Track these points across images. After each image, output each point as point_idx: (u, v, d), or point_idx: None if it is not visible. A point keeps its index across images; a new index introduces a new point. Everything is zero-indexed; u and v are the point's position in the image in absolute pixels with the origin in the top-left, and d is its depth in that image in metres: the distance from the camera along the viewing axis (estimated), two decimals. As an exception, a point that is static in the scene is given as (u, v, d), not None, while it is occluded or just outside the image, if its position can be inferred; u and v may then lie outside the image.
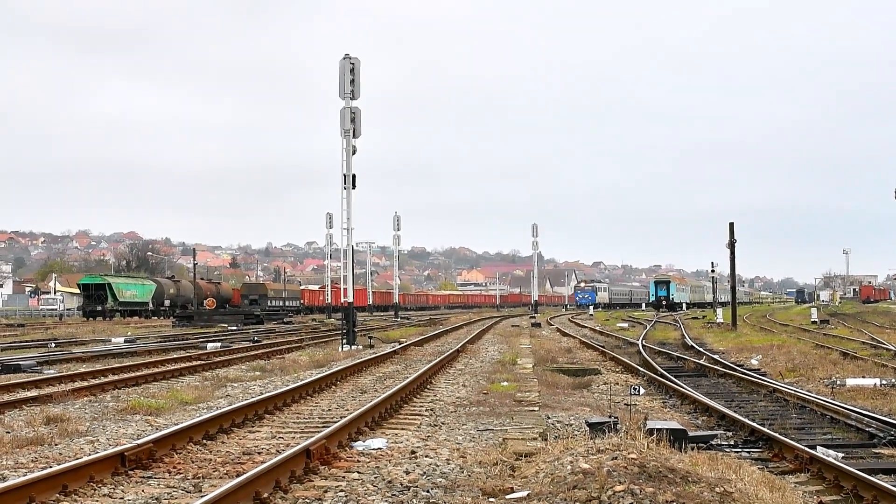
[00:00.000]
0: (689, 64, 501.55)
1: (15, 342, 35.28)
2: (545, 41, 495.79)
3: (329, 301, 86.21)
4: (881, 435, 11.74)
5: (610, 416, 11.05)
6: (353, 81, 30.72)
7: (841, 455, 10.38)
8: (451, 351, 25.90)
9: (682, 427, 10.64)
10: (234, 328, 49.92)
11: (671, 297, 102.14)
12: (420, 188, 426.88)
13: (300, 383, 16.20)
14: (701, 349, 29.69)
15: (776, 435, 11.26)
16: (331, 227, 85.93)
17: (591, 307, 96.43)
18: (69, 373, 19.90)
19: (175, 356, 25.95)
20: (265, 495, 7.68)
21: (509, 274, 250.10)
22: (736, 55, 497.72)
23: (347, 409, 13.53)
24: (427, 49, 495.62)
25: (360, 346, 30.28)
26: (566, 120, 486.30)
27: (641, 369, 21.39)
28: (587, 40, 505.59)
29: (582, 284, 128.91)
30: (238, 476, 8.08)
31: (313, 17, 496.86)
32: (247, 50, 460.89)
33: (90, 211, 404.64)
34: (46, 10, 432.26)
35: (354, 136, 30.88)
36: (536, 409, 13.93)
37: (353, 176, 30.95)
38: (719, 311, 58.76)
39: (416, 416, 13.21)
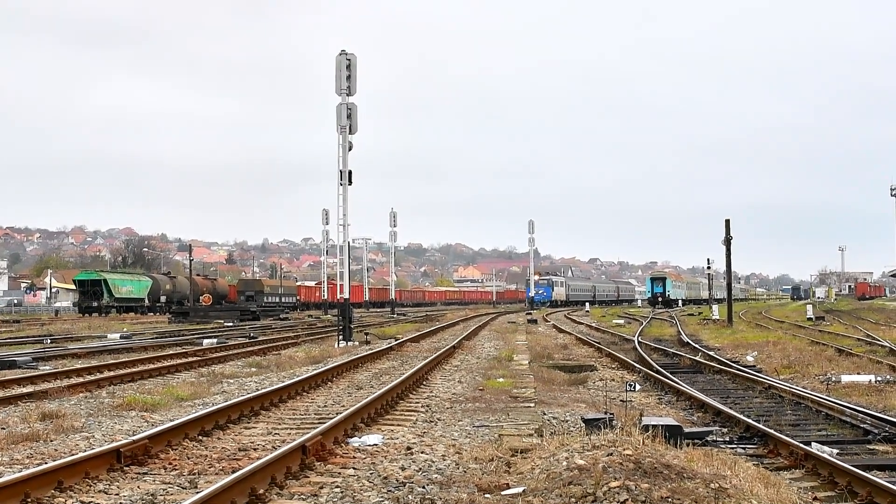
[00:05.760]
0: (687, 62, 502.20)
1: (10, 338, 35.23)
2: (544, 39, 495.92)
3: (325, 297, 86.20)
4: (876, 431, 11.76)
5: (606, 413, 11.06)
6: (349, 77, 30.69)
7: (836, 451, 10.39)
8: (447, 347, 25.91)
9: (677, 423, 10.65)
10: (231, 324, 49.90)
11: (667, 293, 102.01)
12: (417, 185, 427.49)
13: (296, 379, 16.18)
14: (697, 346, 29.71)
15: (771, 431, 11.27)
16: (327, 224, 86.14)
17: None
18: (64, 369, 19.86)
19: (171, 352, 25.94)
20: (261, 491, 7.68)
21: (505, 270, 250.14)
22: (733, 54, 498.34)
23: (343, 406, 13.53)
24: (426, 46, 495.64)
25: (357, 343, 30.27)
26: (563, 117, 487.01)
27: (637, 366, 21.41)
28: (586, 38, 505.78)
29: (536, 278, 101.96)
30: (234, 472, 8.07)
31: (313, 14, 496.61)
32: (246, 46, 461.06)
33: (86, 207, 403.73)
34: (45, 4, 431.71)
35: (351, 132, 30.85)
36: (532, 405, 13.93)
37: (350, 172, 30.93)
38: (715, 307, 58.84)
39: (412, 413, 13.21)
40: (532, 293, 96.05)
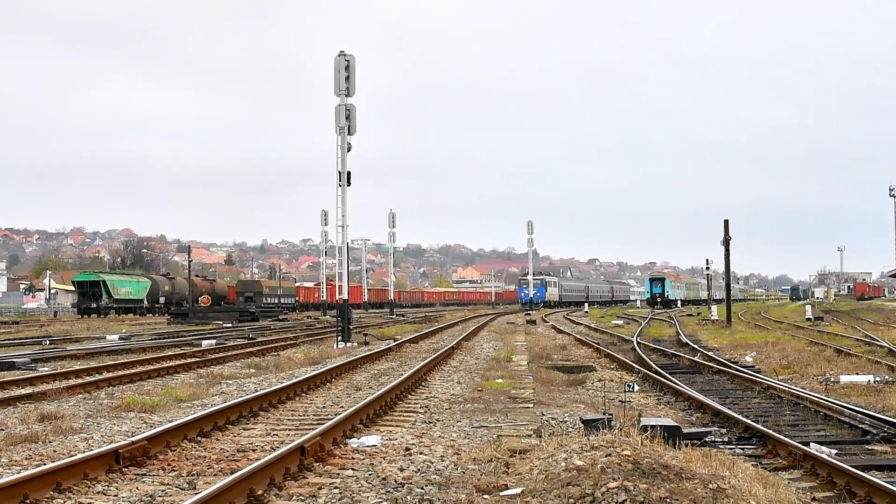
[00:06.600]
0: (687, 63, 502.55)
1: (9, 339, 35.21)
2: (544, 39, 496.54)
3: (324, 298, 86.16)
4: (874, 431, 11.76)
5: (604, 413, 11.07)
6: (347, 78, 30.71)
7: (834, 452, 10.40)
8: (446, 348, 25.91)
9: (676, 424, 10.66)
10: (230, 325, 49.88)
11: (666, 294, 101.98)
12: (416, 185, 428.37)
13: (295, 380, 16.19)
14: (696, 346, 29.71)
15: (770, 432, 11.27)
16: (326, 225, 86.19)
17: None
18: (63, 370, 19.85)
19: (170, 353, 25.92)
20: (260, 492, 7.68)
21: (504, 271, 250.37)
22: (733, 54, 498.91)
23: (342, 407, 13.53)
24: (425, 47, 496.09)
25: (356, 344, 30.27)
26: (563, 117, 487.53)
27: (636, 366, 21.40)
28: (586, 39, 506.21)
29: (529, 278, 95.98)
30: (232, 473, 8.07)
31: (312, 15, 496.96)
32: (245, 47, 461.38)
33: (85, 208, 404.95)
34: (46, 4, 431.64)
35: (349, 133, 30.87)
36: (531, 406, 13.94)
37: (349, 173, 30.96)
38: (714, 308, 58.85)
39: (411, 413, 13.21)
40: (528, 293, 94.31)
